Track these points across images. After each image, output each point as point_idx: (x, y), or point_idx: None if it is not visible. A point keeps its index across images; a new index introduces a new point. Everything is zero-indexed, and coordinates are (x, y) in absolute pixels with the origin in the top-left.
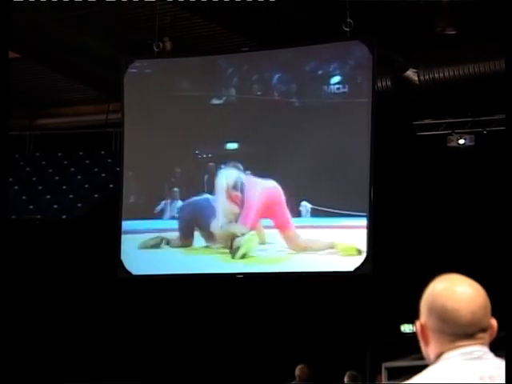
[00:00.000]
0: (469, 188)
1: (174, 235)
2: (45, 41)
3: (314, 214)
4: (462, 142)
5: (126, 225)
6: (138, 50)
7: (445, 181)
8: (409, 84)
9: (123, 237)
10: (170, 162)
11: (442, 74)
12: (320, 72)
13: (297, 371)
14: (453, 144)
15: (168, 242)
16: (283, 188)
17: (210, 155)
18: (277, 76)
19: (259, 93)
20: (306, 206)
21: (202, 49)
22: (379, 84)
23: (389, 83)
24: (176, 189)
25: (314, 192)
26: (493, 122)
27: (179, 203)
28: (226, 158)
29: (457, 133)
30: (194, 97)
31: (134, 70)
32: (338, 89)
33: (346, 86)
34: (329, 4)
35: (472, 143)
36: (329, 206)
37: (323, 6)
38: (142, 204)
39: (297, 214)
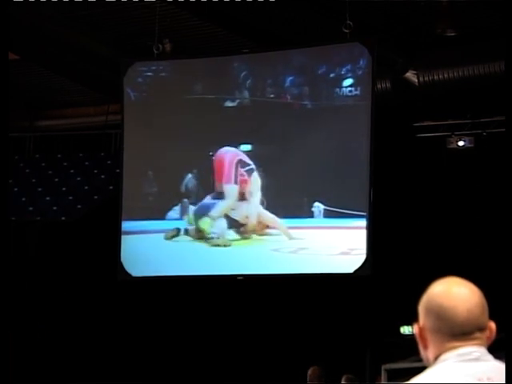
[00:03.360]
0: (468, 190)
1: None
2: (45, 42)
3: (327, 215)
4: (461, 143)
5: (139, 225)
6: (138, 51)
7: (444, 182)
8: (408, 85)
9: (123, 238)
10: (184, 163)
11: (441, 76)
12: (332, 75)
13: (309, 371)
14: (452, 146)
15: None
16: (296, 189)
17: None
18: (289, 79)
19: (272, 95)
20: (318, 207)
21: (203, 50)
22: (379, 85)
23: (388, 85)
24: (192, 191)
25: (327, 193)
26: (492, 124)
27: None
28: None
29: (456, 134)
30: (204, 99)
31: (134, 72)
32: (351, 91)
33: (359, 88)
34: (329, 5)
35: (471, 145)
36: (341, 206)
37: (323, 8)
38: (157, 204)
39: (309, 214)
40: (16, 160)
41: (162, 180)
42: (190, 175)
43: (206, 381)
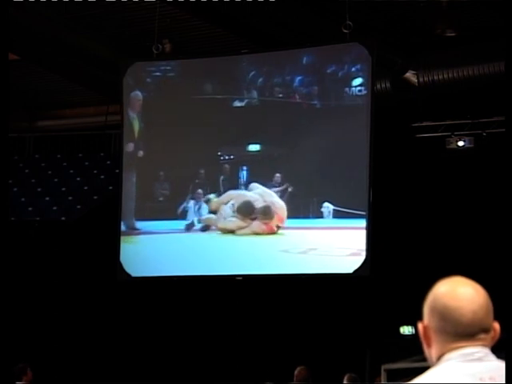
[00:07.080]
0: (468, 190)
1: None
2: (44, 43)
3: (337, 215)
4: (461, 143)
5: (145, 225)
6: (138, 51)
7: (444, 183)
8: (408, 86)
9: (123, 238)
10: (192, 163)
11: (441, 76)
12: (341, 74)
13: (295, 372)
14: (452, 146)
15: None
16: (305, 189)
17: (232, 157)
18: (298, 78)
19: (281, 95)
20: (328, 207)
21: (203, 51)
22: (379, 86)
23: (388, 85)
24: (200, 190)
25: (336, 193)
26: (492, 124)
27: (203, 205)
28: (248, 160)
29: (456, 135)
30: (213, 99)
31: (143, 72)
32: (360, 91)
33: (368, 87)
34: (328, 6)
35: (471, 145)
36: (350, 207)
37: (322, 8)
38: (166, 204)
39: (319, 215)
40: (16, 160)
41: (171, 180)
42: (198, 175)
43: (205, 380)
